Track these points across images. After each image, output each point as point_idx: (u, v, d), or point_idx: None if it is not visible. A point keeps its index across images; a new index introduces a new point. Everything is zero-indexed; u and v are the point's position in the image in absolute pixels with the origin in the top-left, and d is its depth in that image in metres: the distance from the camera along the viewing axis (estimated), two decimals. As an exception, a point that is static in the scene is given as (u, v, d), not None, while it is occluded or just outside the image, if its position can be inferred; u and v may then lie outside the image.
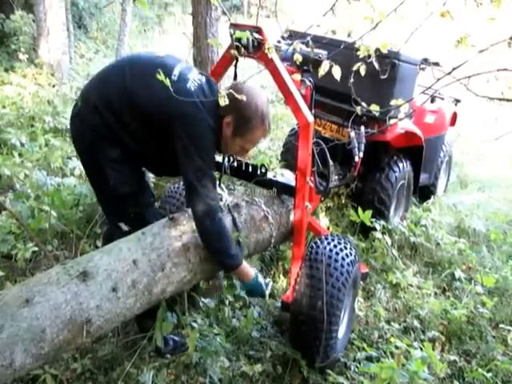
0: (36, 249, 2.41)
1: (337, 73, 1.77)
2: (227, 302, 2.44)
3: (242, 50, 1.87)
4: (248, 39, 1.82)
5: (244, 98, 1.58)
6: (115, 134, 1.77)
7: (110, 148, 1.79)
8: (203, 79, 1.81)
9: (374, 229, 3.07)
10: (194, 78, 1.77)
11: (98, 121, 1.75)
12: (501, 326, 2.59)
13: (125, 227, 1.89)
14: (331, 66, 1.76)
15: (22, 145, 3.79)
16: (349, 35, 1.74)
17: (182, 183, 2.53)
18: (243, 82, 1.82)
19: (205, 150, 1.72)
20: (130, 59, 1.86)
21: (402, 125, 3.11)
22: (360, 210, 3.01)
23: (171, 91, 1.54)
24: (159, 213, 2.16)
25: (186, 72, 1.77)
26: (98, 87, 1.81)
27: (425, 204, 4.06)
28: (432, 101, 3.58)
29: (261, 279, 1.96)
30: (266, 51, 1.79)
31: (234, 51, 1.85)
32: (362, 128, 2.89)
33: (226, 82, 4.22)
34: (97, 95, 1.78)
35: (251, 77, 1.84)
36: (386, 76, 2.09)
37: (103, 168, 1.80)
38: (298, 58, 1.93)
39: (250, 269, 1.92)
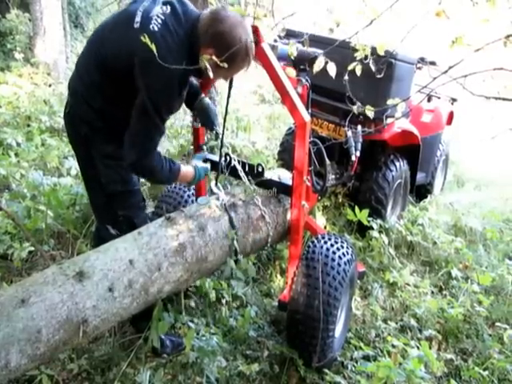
0: (32, 249, 2.40)
1: (332, 70, 1.77)
2: (224, 302, 2.44)
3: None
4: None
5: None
6: (109, 119, 1.76)
7: (104, 142, 1.79)
8: (168, 10, 1.66)
9: (371, 228, 3.08)
10: (158, 14, 1.63)
11: (90, 113, 1.75)
12: (497, 324, 2.60)
13: (112, 231, 1.87)
14: (326, 63, 1.75)
15: (18, 144, 3.77)
16: (337, 26, 1.72)
17: (178, 183, 2.52)
18: (223, 8, 1.68)
19: (164, 103, 1.64)
20: (97, 29, 1.80)
21: (398, 124, 3.12)
22: (357, 209, 3.02)
23: (134, 42, 1.51)
24: (150, 218, 2.16)
25: (149, 10, 1.65)
26: (78, 73, 1.82)
27: (422, 203, 4.07)
28: (429, 100, 3.59)
29: (201, 165, 2.03)
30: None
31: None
32: (359, 127, 2.89)
33: (222, 82, 4.22)
34: (80, 82, 1.79)
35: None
36: (382, 75, 2.09)
37: (96, 164, 1.81)
38: (293, 53, 1.92)
39: (187, 172, 1.95)
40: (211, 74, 1.43)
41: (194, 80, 2.08)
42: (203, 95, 2.15)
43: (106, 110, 1.76)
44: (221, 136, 2.10)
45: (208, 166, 2.13)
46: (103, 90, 1.74)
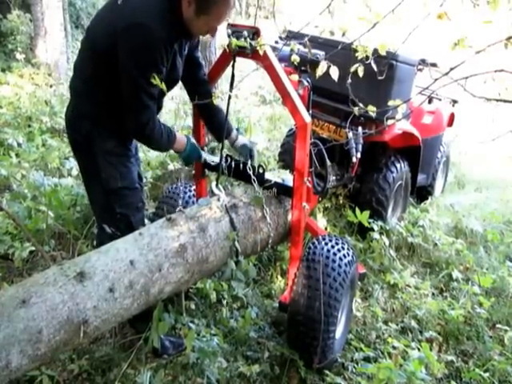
0: (33, 249, 2.41)
1: (334, 73, 1.77)
2: (225, 303, 2.44)
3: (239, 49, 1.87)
4: (246, 40, 1.82)
5: None
6: (113, 111, 1.79)
7: (106, 138, 1.83)
8: None
9: (372, 229, 3.08)
10: None
11: (94, 108, 1.80)
12: (498, 326, 2.60)
13: (108, 229, 1.88)
14: (329, 67, 1.76)
15: (19, 145, 3.78)
16: (343, 35, 1.73)
17: (179, 183, 2.53)
18: None
19: (148, 64, 1.65)
20: (88, 27, 1.85)
21: (399, 125, 3.12)
22: (358, 210, 3.01)
23: (117, 17, 1.58)
24: (151, 219, 2.17)
25: None
26: (76, 73, 1.86)
27: (422, 204, 4.07)
28: (429, 101, 3.58)
29: (193, 141, 2.05)
30: (258, 48, 1.78)
31: (225, 48, 1.86)
32: (360, 128, 2.89)
33: (223, 83, 4.21)
34: (79, 80, 1.84)
35: (247, 75, 1.83)
36: (383, 77, 2.09)
37: (98, 161, 1.83)
38: (296, 59, 1.93)
39: (181, 139, 1.98)
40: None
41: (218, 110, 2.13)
42: (235, 132, 2.20)
43: (110, 102, 1.78)
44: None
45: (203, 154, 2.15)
46: (102, 81, 1.76)
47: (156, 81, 1.57)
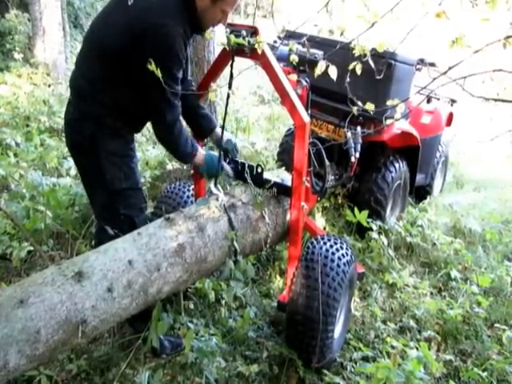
0: (31, 249, 2.40)
1: (333, 73, 1.77)
2: (223, 303, 2.44)
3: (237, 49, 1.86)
4: (244, 39, 1.81)
5: None
6: (119, 112, 1.78)
7: (110, 139, 1.81)
8: None
9: (371, 229, 3.08)
10: None
11: (100, 109, 1.77)
12: (496, 325, 2.60)
13: (110, 231, 1.87)
14: (327, 66, 1.76)
15: (18, 145, 3.77)
16: (341, 34, 1.73)
17: (177, 183, 2.53)
18: None
19: (170, 63, 1.67)
20: (92, 26, 1.84)
21: (398, 125, 3.12)
22: (356, 210, 3.02)
23: (132, 19, 1.59)
24: (150, 219, 2.17)
25: None
26: (80, 71, 1.83)
27: (421, 204, 4.07)
28: (428, 101, 3.58)
29: (212, 153, 2.07)
30: (256, 46, 1.78)
31: (226, 48, 1.86)
32: (359, 128, 2.89)
33: (222, 82, 4.21)
34: (84, 80, 1.80)
35: (242, 71, 1.84)
36: (382, 76, 2.09)
37: (101, 162, 1.82)
38: (295, 58, 1.93)
39: (200, 153, 2.01)
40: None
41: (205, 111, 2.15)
42: (218, 128, 2.20)
43: (117, 103, 1.78)
44: (221, 138, 2.10)
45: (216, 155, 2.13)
46: (109, 82, 1.75)
47: (152, 67, 1.56)
